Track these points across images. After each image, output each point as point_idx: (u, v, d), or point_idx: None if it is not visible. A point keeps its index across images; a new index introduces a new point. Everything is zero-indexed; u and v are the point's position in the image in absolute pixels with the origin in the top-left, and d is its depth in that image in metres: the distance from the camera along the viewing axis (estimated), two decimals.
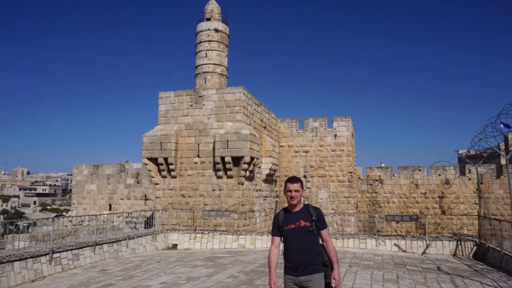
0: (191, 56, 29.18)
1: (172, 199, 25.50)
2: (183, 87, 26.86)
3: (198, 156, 25.35)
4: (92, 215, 19.58)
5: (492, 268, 14.52)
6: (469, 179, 33.80)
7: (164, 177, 25.80)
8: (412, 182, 35.23)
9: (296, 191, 5.32)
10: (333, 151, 33.70)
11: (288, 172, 33.37)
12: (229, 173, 24.48)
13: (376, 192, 35.81)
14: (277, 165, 32.04)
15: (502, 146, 38.08)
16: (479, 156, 34.58)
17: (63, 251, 14.05)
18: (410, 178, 35.34)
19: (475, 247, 17.92)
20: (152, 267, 14.49)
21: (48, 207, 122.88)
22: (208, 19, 28.39)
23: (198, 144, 25.39)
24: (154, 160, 25.42)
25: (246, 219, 23.80)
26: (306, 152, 34.07)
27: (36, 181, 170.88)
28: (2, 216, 77.78)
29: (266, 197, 29.34)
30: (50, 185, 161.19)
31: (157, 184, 26.02)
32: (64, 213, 67.42)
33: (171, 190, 25.65)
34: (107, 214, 24.44)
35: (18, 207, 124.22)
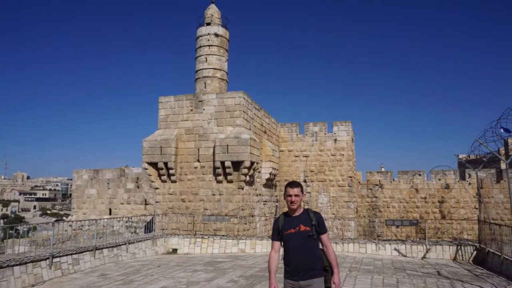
0: (191, 60, 29.24)
1: (172, 204, 25.50)
2: (183, 91, 26.92)
3: (198, 160, 25.37)
4: (92, 220, 19.59)
5: (492, 273, 14.51)
6: (469, 183, 33.80)
7: (164, 181, 25.81)
8: (412, 186, 35.22)
9: (296, 195, 5.33)
10: (333, 155, 33.70)
11: (288, 177, 33.37)
12: (229, 177, 24.49)
13: (376, 197, 35.79)
14: (277, 169, 32.06)
15: (502, 151, 38.08)
16: (479, 160, 34.64)
17: (63, 255, 14.06)
18: (410, 183, 35.33)
19: (475, 252, 17.91)
20: (152, 271, 14.48)
21: (48, 211, 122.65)
22: (208, 24, 28.45)
23: (198, 149, 25.41)
24: (154, 164, 25.44)
25: (246, 223, 23.79)
26: (306, 156, 34.08)
27: (36, 186, 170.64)
28: (2, 221, 77.72)
29: (266, 201, 29.34)
30: (50, 189, 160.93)
31: (157, 188, 26.03)
32: (64, 218, 67.34)
33: (171, 194, 25.66)
34: (107, 218, 24.44)
35: (18, 211, 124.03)
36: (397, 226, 28.95)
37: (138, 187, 37.50)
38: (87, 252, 15.35)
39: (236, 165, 24.14)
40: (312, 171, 33.86)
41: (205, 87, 27.38)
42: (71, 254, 14.49)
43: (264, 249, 19.75)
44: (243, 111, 25.21)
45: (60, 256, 13.85)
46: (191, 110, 25.92)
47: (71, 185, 53.44)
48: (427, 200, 34.68)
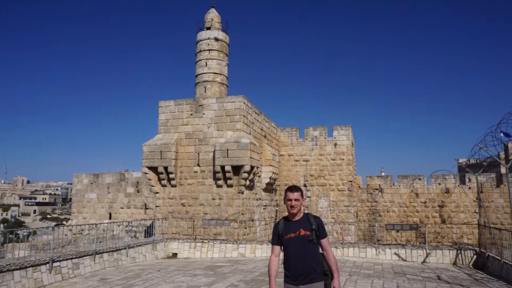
0: (191, 65, 29.35)
1: (172, 208, 25.50)
2: (183, 96, 27.02)
3: (198, 165, 25.38)
4: (92, 224, 19.58)
5: (492, 277, 14.51)
6: (469, 188, 33.82)
7: (164, 186, 25.82)
8: (412, 191, 35.24)
9: (296, 200, 5.34)
10: (333, 160, 33.73)
11: (288, 181, 33.38)
12: (229, 182, 24.50)
13: (376, 201, 35.80)
14: (277, 174, 32.07)
15: (502, 155, 38.10)
16: (479, 165, 34.68)
17: (63, 260, 14.05)
18: (410, 187, 35.36)
19: (475, 256, 17.90)
20: (152, 276, 14.48)
21: (48, 216, 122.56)
22: (208, 28, 28.57)
23: (198, 153, 25.42)
24: (154, 169, 25.45)
25: (246, 228, 23.79)
26: (306, 161, 34.10)
27: (36, 190, 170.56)
28: (2, 225, 77.68)
29: (266, 206, 29.34)
30: (50, 194, 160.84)
31: (157, 193, 26.03)
32: (64, 222, 67.36)
33: (171, 199, 25.66)
34: (107, 223, 24.43)
35: (18, 216, 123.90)
36: (397, 231, 29.00)
37: (138, 192, 37.52)
38: (87, 257, 15.34)
39: (236, 169, 24.15)
40: (312, 176, 33.87)
41: (205, 92, 27.45)
42: (71, 258, 14.48)
43: (264, 254, 19.73)
44: (243, 115, 25.24)
45: (60, 261, 13.85)
46: (191, 114, 25.94)
47: (71, 190, 53.48)
48: (427, 204, 34.70)
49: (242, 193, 24.56)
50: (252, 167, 24.35)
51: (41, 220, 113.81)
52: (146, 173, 25.67)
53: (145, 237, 22.63)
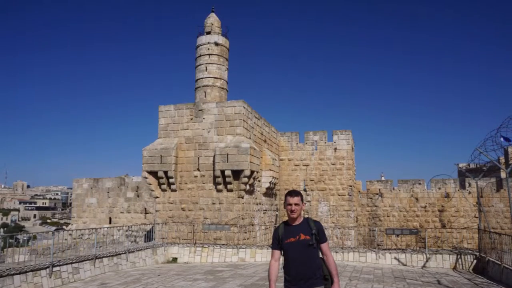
0: (191, 69, 29.40)
1: (172, 213, 25.49)
2: (183, 100, 26.95)
3: (198, 169, 25.39)
4: (92, 229, 19.58)
5: (492, 282, 14.51)
6: (469, 192, 33.80)
7: (164, 190, 25.81)
8: (412, 195, 35.23)
9: (296, 204, 5.36)
10: (333, 164, 33.73)
11: (288, 186, 33.38)
12: (229, 186, 24.50)
13: (376, 206, 35.78)
14: (277, 178, 32.06)
15: (502, 160, 38.07)
16: (479, 169, 34.61)
17: (63, 264, 14.06)
18: (410, 192, 35.34)
19: (475, 261, 17.91)
20: (152, 280, 14.47)
21: (48, 220, 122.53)
22: (208, 33, 28.62)
23: (198, 158, 25.43)
24: (154, 173, 25.45)
25: (246, 232, 23.78)
26: (306, 165, 34.10)
27: (36, 195, 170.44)
28: (2, 230, 77.60)
29: (266, 210, 29.33)
30: (50, 198, 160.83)
31: (157, 197, 26.02)
32: (64, 227, 67.27)
33: (171, 203, 25.65)
34: (107, 227, 24.43)
35: (18, 220, 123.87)
36: (397, 235, 28.94)
37: (138, 196, 37.50)
38: (87, 261, 15.35)
39: (236, 174, 24.16)
40: (312, 180, 33.87)
41: (205, 96, 27.48)
42: (71, 263, 14.49)
43: (264, 258, 19.72)
44: (243, 120, 25.27)
45: (60, 265, 13.86)
46: (191, 119, 25.97)
47: (71, 194, 53.47)
48: (427, 209, 34.68)
49: (242, 197, 24.56)
50: (252, 172, 24.36)
51: (41, 224, 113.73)
52: (146, 178, 25.67)
53: (145, 241, 22.63)
